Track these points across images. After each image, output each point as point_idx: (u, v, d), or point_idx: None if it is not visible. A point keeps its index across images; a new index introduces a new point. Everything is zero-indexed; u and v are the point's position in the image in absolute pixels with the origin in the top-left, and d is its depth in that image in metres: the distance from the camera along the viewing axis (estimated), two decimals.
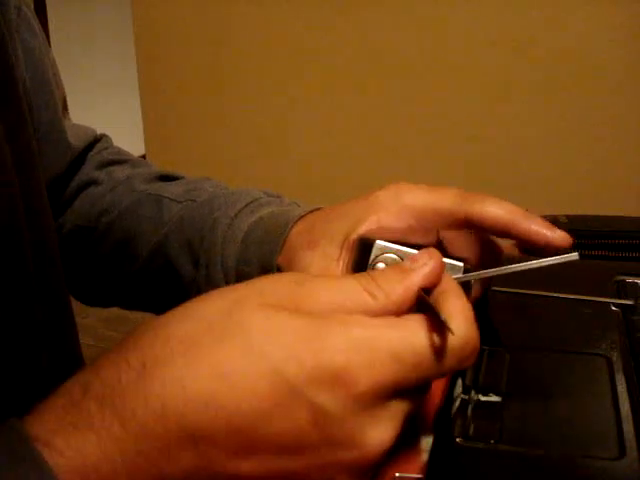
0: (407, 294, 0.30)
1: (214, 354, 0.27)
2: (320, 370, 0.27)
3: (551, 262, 0.36)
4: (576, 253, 0.35)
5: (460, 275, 0.39)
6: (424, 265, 0.30)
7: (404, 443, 0.34)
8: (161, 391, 0.26)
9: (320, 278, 0.31)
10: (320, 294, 0.29)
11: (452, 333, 0.28)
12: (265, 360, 0.27)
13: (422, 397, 0.30)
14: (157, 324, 0.29)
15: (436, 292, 0.30)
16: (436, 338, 0.28)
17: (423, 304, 0.30)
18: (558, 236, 0.37)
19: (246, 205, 0.51)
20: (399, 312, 0.30)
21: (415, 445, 0.34)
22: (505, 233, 0.39)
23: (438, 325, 0.28)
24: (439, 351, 0.28)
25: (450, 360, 0.28)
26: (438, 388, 0.38)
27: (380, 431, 0.28)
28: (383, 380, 0.27)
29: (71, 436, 0.26)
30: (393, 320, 0.29)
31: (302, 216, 0.47)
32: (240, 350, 0.27)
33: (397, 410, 0.28)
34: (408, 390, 0.29)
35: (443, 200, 0.41)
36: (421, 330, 0.28)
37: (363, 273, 0.31)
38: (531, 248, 0.38)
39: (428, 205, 0.41)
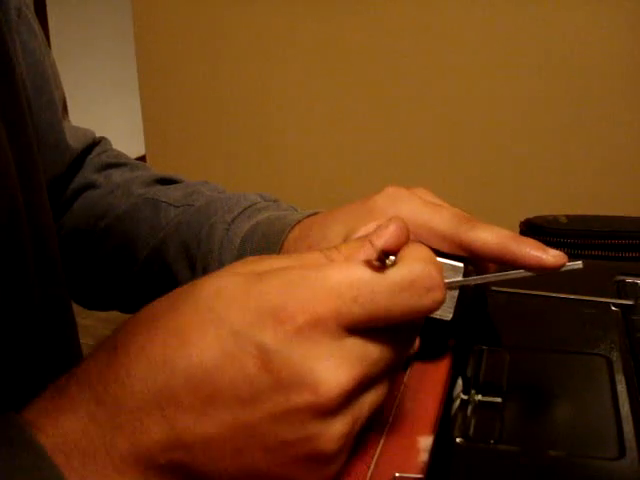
0: (367, 255, 0.30)
1: (170, 319, 0.28)
2: (259, 311, 0.27)
3: (555, 270, 0.36)
4: (580, 262, 0.35)
5: (460, 277, 0.39)
6: (384, 228, 0.31)
7: (404, 443, 0.34)
8: (126, 362, 0.28)
9: (286, 255, 0.31)
10: (278, 261, 0.30)
11: (394, 264, 0.28)
12: (210, 312, 0.28)
13: (394, 346, 0.29)
14: (134, 314, 0.30)
15: (400, 251, 0.31)
16: (376, 272, 0.28)
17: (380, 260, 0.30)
18: (551, 256, 0.37)
19: (243, 210, 0.51)
20: None
21: (415, 445, 0.34)
22: (498, 259, 0.39)
23: (382, 264, 0.28)
24: (379, 280, 0.28)
25: (398, 292, 0.28)
26: (438, 388, 0.38)
27: (331, 368, 0.27)
28: (320, 312, 0.27)
29: (55, 418, 0.28)
30: (332, 263, 0.30)
31: (299, 221, 0.47)
32: (189, 309, 0.28)
33: (353, 350, 0.28)
34: (366, 330, 0.28)
35: (437, 222, 0.41)
36: (360, 265, 0.29)
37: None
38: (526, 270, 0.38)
39: (423, 222, 0.41)
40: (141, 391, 0.27)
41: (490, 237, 0.39)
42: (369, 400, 0.30)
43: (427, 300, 0.29)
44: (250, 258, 0.32)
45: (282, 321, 0.27)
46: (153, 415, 0.27)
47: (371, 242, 0.30)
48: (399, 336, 0.30)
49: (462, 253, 0.40)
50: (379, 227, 0.31)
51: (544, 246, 0.38)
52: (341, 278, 0.28)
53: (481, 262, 0.41)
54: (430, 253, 0.31)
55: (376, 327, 0.29)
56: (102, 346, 0.29)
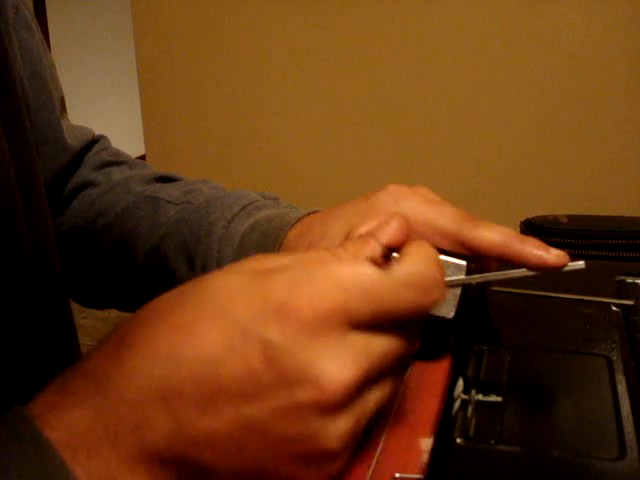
0: (373, 252, 0.31)
1: (176, 314, 0.28)
2: (265, 306, 0.27)
3: (557, 270, 0.36)
4: (582, 262, 0.35)
5: (463, 275, 0.39)
6: (387, 224, 0.32)
7: (404, 443, 0.34)
8: (132, 355, 0.28)
9: (291, 252, 0.32)
10: (286, 258, 0.30)
11: (399, 262, 0.29)
12: (216, 307, 0.28)
13: (397, 342, 0.30)
14: (139, 309, 0.30)
15: (403, 248, 0.31)
16: (383, 270, 0.29)
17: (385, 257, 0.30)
18: (554, 255, 0.37)
19: (243, 208, 0.51)
20: None
21: (415, 445, 0.34)
22: (500, 257, 0.39)
23: (387, 262, 0.29)
24: (385, 279, 0.28)
25: (403, 290, 0.29)
26: (438, 388, 0.38)
27: (336, 364, 0.27)
28: (327, 308, 0.27)
29: (60, 411, 0.28)
30: (339, 260, 0.30)
31: (300, 218, 0.47)
32: (196, 305, 0.28)
33: (357, 345, 0.28)
34: (370, 325, 0.28)
35: (440, 219, 0.41)
36: (366, 263, 0.29)
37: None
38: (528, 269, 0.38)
39: (425, 220, 0.41)
40: (146, 384, 0.27)
41: (493, 236, 0.39)
42: (374, 397, 0.30)
43: (428, 298, 0.30)
44: (255, 256, 0.32)
45: (288, 317, 0.27)
46: (157, 408, 0.27)
47: (375, 239, 0.31)
48: (404, 332, 0.30)
49: (464, 251, 0.40)
50: (381, 224, 0.32)
51: (547, 245, 0.38)
52: (347, 274, 0.28)
53: (483, 260, 0.41)
54: (433, 251, 0.31)
55: (380, 324, 0.29)
56: (107, 340, 0.29)
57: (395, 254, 0.30)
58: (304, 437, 0.27)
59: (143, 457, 0.27)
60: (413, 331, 0.31)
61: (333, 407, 0.27)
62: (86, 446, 0.27)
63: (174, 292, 0.30)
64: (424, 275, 0.29)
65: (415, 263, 0.29)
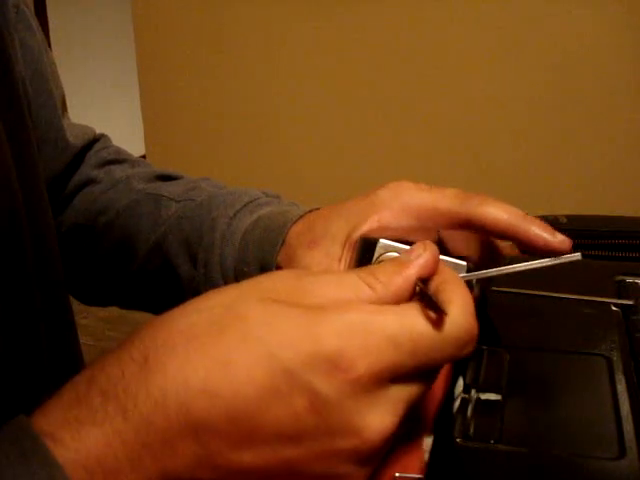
0: (405, 285, 0.30)
1: (213, 344, 0.27)
2: (316, 355, 0.27)
3: (553, 262, 0.37)
4: (579, 253, 0.36)
5: (463, 274, 0.39)
6: (419, 256, 0.31)
7: (404, 443, 0.34)
8: (162, 382, 0.26)
9: (320, 273, 0.31)
10: (320, 287, 0.30)
11: (448, 318, 0.28)
12: (261, 346, 0.27)
13: (425, 386, 0.30)
14: (161, 320, 0.29)
15: (435, 282, 0.31)
16: (433, 324, 0.28)
17: (422, 294, 0.30)
18: (558, 239, 0.37)
19: (245, 205, 0.51)
20: (398, 302, 0.30)
21: (415, 445, 0.34)
22: (505, 235, 0.39)
23: (435, 312, 0.28)
24: (436, 337, 0.28)
25: (448, 347, 0.29)
26: (438, 388, 0.38)
27: (379, 417, 0.27)
28: (380, 364, 0.27)
29: (76, 430, 0.26)
30: (391, 307, 0.29)
31: (301, 216, 0.47)
32: (237, 339, 0.27)
33: (397, 397, 0.28)
34: (407, 377, 0.29)
35: (443, 200, 0.41)
36: (418, 316, 0.28)
37: (362, 267, 0.32)
38: (531, 250, 0.38)
39: (428, 204, 0.41)
40: (176, 414, 0.26)
41: (499, 213, 0.39)
42: (395, 436, 0.30)
43: (465, 351, 0.30)
44: (285, 275, 0.31)
45: (339, 369, 0.27)
46: (186, 439, 0.26)
47: (409, 270, 0.30)
48: (432, 373, 0.30)
49: (470, 229, 0.40)
50: (412, 252, 0.31)
51: (552, 228, 0.38)
52: (401, 329, 0.28)
53: (487, 239, 0.41)
54: (470, 296, 0.30)
55: (419, 373, 0.29)
56: (128, 354, 0.28)
57: (422, 284, 0.30)
58: (332, 477, 0.28)
59: None
60: (439, 368, 0.31)
61: (368, 455, 0.28)
62: (104, 469, 0.26)
63: (202, 311, 0.29)
64: (467, 332, 0.29)
65: (462, 320, 0.29)
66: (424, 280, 0.31)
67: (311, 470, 0.28)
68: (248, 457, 0.27)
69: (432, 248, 0.32)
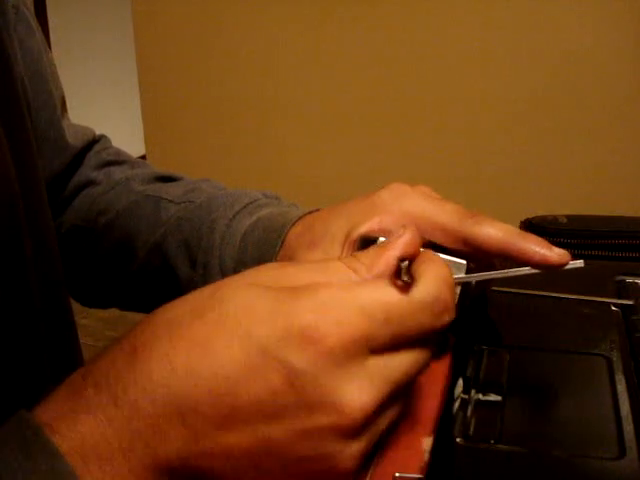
0: (387, 266, 0.31)
1: (193, 328, 0.28)
2: (289, 330, 0.27)
3: (557, 269, 0.37)
4: (581, 261, 0.36)
5: (463, 274, 0.39)
6: (400, 237, 0.32)
7: (404, 443, 0.34)
8: (148, 368, 0.27)
9: (304, 261, 0.32)
10: (304, 273, 0.30)
11: (416, 285, 0.29)
12: (238, 326, 0.28)
13: (411, 360, 0.30)
14: (151, 314, 0.30)
15: (416, 263, 0.31)
16: (400, 290, 0.29)
17: (397, 270, 0.30)
18: (556, 254, 0.37)
19: (244, 206, 0.51)
20: None
21: (415, 445, 0.34)
22: (502, 254, 0.39)
23: (406, 282, 0.29)
24: (405, 302, 0.29)
25: (419, 313, 0.29)
26: (438, 388, 0.38)
27: (357, 391, 0.28)
28: (352, 334, 0.28)
29: (71, 420, 0.27)
30: (363, 281, 0.30)
31: (301, 217, 0.47)
32: (216, 320, 0.28)
33: (376, 369, 0.28)
34: (386, 348, 0.29)
35: (442, 216, 0.41)
36: (389, 286, 0.29)
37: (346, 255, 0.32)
38: (530, 266, 0.38)
39: (427, 217, 0.41)
40: (162, 398, 0.27)
41: (495, 232, 0.39)
42: (388, 417, 0.30)
43: (440, 321, 0.30)
44: (271, 265, 0.32)
45: (312, 342, 0.27)
46: (173, 422, 0.27)
47: (389, 252, 0.31)
48: (416, 349, 0.30)
49: (466, 248, 0.40)
50: (395, 235, 0.32)
51: (549, 243, 0.38)
52: (372, 300, 0.28)
53: (484, 258, 0.41)
54: (446, 271, 0.31)
55: (397, 345, 0.29)
56: (119, 346, 0.29)
57: (404, 263, 0.30)
58: (319, 458, 0.28)
59: (155, 468, 0.27)
60: (425, 346, 0.31)
61: (351, 431, 0.28)
62: (98, 456, 0.27)
63: (188, 300, 0.30)
64: (439, 299, 0.30)
65: (431, 286, 0.30)
66: (408, 261, 0.31)
67: (296, 451, 0.28)
68: (233, 438, 0.27)
69: (412, 229, 0.32)
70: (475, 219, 0.40)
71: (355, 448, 0.28)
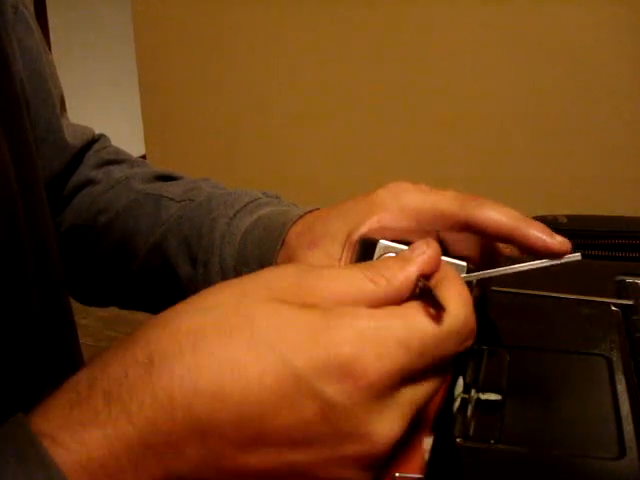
0: (407, 281, 0.30)
1: (222, 347, 0.27)
2: (327, 362, 0.27)
3: (553, 263, 0.37)
4: (578, 254, 0.36)
5: (463, 275, 0.39)
6: (422, 253, 0.31)
7: (404, 443, 0.33)
8: (169, 384, 0.26)
9: (325, 268, 0.31)
10: (325, 284, 0.30)
11: (447, 313, 0.29)
12: (272, 352, 0.27)
13: (432, 386, 0.30)
14: (164, 318, 0.29)
15: (435, 279, 0.31)
16: (434, 320, 0.29)
17: (423, 290, 0.30)
18: (557, 241, 0.38)
19: (245, 205, 0.51)
20: (400, 298, 0.30)
21: (415, 445, 0.34)
22: (504, 238, 0.39)
23: (437, 309, 0.29)
24: (438, 333, 0.29)
25: (450, 342, 0.29)
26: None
27: (389, 422, 0.28)
28: (391, 368, 0.27)
29: (77, 432, 0.26)
30: (396, 309, 0.29)
31: (301, 216, 0.47)
32: (247, 343, 0.27)
33: (406, 400, 0.28)
34: (416, 378, 0.29)
35: (442, 202, 0.41)
36: (423, 316, 0.29)
37: (365, 263, 0.32)
38: (530, 252, 0.39)
39: (428, 206, 0.41)
40: (183, 418, 0.26)
41: (498, 216, 0.39)
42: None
43: (465, 345, 0.30)
44: (286, 271, 0.31)
45: (352, 375, 0.27)
46: (192, 442, 0.26)
47: (410, 267, 0.31)
48: (439, 376, 0.30)
49: (469, 231, 0.40)
50: (415, 249, 0.32)
51: (551, 231, 0.38)
52: (409, 332, 0.28)
53: (486, 243, 0.41)
54: (467, 290, 0.31)
55: (424, 374, 0.29)
56: (131, 353, 0.27)
57: (423, 282, 0.30)
58: None
59: None
60: (445, 368, 0.31)
61: (377, 460, 0.28)
62: (106, 472, 0.26)
63: (208, 310, 0.28)
64: (467, 325, 0.30)
65: (460, 313, 0.29)
66: (426, 277, 0.31)
67: (316, 474, 0.28)
68: (254, 460, 0.27)
69: (434, 245, 0.32)
70: (477, 202, 0.40)
71: (372, 474, 0.29)
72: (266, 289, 0.29)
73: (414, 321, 0.28)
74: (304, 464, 0.27)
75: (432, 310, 0.29)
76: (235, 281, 0.30)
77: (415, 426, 0.35)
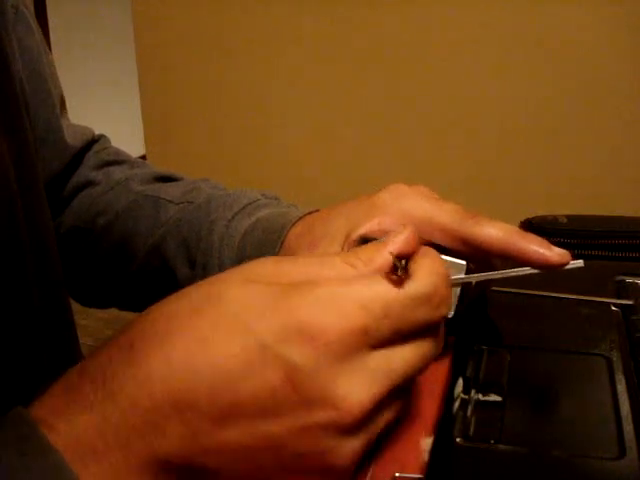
0: (385, 261, 0.31)
1: (191, 323, 0.28)
2: (287, 326, 0.27)
3: (558, 268, 0.37)
4: (581, 261, 0.36)
5: (462, 274, 0.39)
6: (399, 234, 0.32)
7: (404, 443, 0.34)
8: (146, 363, 0.27)
9: (301, 256, 0.31)
10: (299, 267, 0.30)
11: (411, 278, 0.29)
12: (237, 322, 0.27)
13: (412, 354, 0.30)
14: (148, 309, 0.30)
15: (412, 259, 0.31)
16: (395, 284, 0.29)
17: (393, 265, 0.31)
18: (556, 254, 0.38)
19: (244, 207, 0.51)
20: None
21: (415, 445, 0.34)
22: (502, 254, 0.39)
23: (401, 278, 0.29)
24: (405, 299, 0.29)
25: (417, 305, 0.29)
26: (438, 388, 0.38)
27: (357, 387, 0.28)
28: (351, 328, 0.28)
29: (67, 416, 0.27)
30: (358, 277, 0.30)
31: (301, 217, 0.47)
32: (215, 316, 0.28)
33: (376, 365, 0.28)
34: (387, 342, 0.29)
35: (441, 215, 0.41)
36: (384, 281, 0.29)
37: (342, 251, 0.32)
38: (530, 267, 0.39)
39: (427, 217, 0.41)
40: (160, 393, 0.27)
41: (495, 232, 0.39)
42: (385, 417, 0.30)
43: (437, 313, 0.30)
44: (266, 260, 0.31)
45: (311, 337, 0.27)
46: (171, 418, 0.27)
47: (387, 248, 0.31)
48: (417, 345, 0.30)
49: (466, 248, 0.40)
50: (393, 233, 0.32)
51: (549, 243, 0.38)
52: (370, 294, 0.28)
53: (484, 258, 0.41)
54: (440, 265, 0.31)
55: (397, 339, 0.29)
56: (116, 342, 0.29)
57: (403, 261, 0.30)
58: (317, 454, 0.28)
59: (151, 463, 0.27)
60: (426, 339, 0.31)
61: (349, 428, 0.28)
62: (94, 452, 0.27)
63: (185, 296, 0.30)
64: (435, 291, 0.30)
65: (426, 279, 0.30)
66: (406, 258, 0.31)
67: (294, 447, 0.28)
68: (232, 435, 0.27)
69: (410, 227, 0.32)
70: (475, 219, 0.40)
71: (352, 445, 0.28)
72: (239, 273, 0.30)
73: (375, 285, 0.29)
74: (279, 436, 0.27)
75: (395, 277, 0.29)
76: (217, 274, 0.31)
77: (415, 426, 0.35)
